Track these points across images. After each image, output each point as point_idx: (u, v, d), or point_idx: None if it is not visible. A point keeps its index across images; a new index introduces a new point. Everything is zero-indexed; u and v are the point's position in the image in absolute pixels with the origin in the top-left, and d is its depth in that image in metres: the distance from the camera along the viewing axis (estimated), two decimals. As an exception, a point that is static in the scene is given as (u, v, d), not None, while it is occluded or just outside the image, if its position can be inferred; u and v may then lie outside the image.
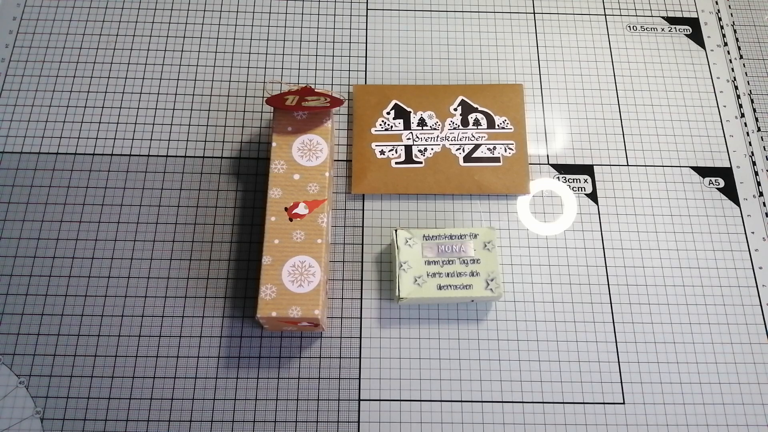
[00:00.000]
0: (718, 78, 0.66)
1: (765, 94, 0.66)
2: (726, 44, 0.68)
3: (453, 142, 0.61)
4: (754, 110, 0.65)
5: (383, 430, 0.52)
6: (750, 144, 0.63)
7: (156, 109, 0.62)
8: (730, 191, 0.61)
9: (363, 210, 0.59)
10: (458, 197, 0.60)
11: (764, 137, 0.64)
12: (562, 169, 0.62)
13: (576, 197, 0.61)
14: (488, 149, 0.61)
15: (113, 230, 0.57)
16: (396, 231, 0.54)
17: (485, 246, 0.54)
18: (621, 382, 0.54)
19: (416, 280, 0.53)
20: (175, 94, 0.63)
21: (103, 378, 0.53)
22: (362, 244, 0.58)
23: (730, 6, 0.70)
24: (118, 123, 0.62)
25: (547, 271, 0.57)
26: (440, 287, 0.53)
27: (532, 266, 0.57)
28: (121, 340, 0.54)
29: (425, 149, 0.61)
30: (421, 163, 0.60)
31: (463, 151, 0.61)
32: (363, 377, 0.53)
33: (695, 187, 0.61)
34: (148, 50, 0.65)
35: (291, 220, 0.53)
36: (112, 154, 0.60)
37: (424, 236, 0.54)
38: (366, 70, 0.65)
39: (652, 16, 0.69)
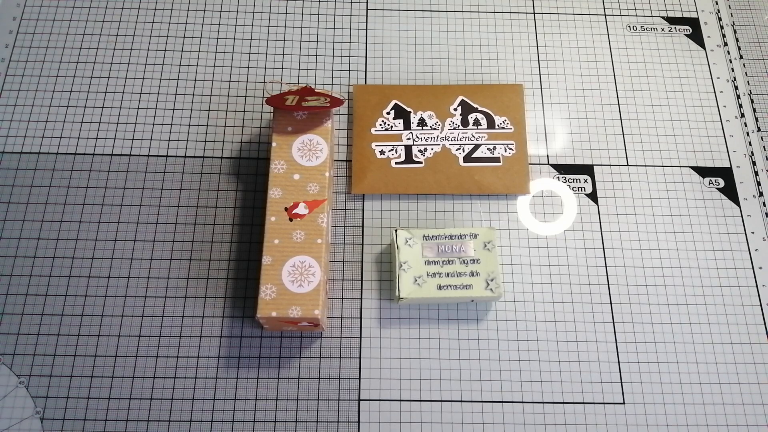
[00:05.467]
0: (718, 78, 0.66)
1: (765, 94, 0.66)
2: (726, 44, 0.68)
3: (453, 142, 0.61)
4: (754, 110, 0.65)
5: (383, 430, 0.52)
6: (750, 144, 0.63)
7: (156, 109, 0.62)
8: (730, 191, 0.61)
9: (363, 210, 0.59)
10: (458, 197, 0.60)
11: (764, 137, 0.64)
12: (562, 169, 0.62)
13: (576, 197, 0.61)
14: (488, 149, 0.61)
15: (113, 230, 0.57)
16: (396, 231, 0.54)
17: (485, 246, 0.54)
18: (621, 382, 0.54)
19: (416, 280, 0.53)
20: (175, 94, 0.63)
21: (103, 378, 0.53)
22: (362, 244, 0.58)
23: (730, 6, 0.70)
24: (118, 123, 0.62)
25: (547, 271, 0.57)
26: (440, 287, 0.53)
27: (532, 266, 0.57)
28: (121, 340, 0.54)
29: (425, 149, 0.61)
30: (421, 163, 0.60)
31: (463, 151, 0.61)
32: (363, 377, 0.53)
33: (695, 187, 0.61)
34: (148, 50, 0.65)
35: (291, 220, 0.53)
36: (112, 154, 0.60)
37: (424, 236, 0.54)
38: (366, 70, 0.65)
39: (652, 16, 0.69)
